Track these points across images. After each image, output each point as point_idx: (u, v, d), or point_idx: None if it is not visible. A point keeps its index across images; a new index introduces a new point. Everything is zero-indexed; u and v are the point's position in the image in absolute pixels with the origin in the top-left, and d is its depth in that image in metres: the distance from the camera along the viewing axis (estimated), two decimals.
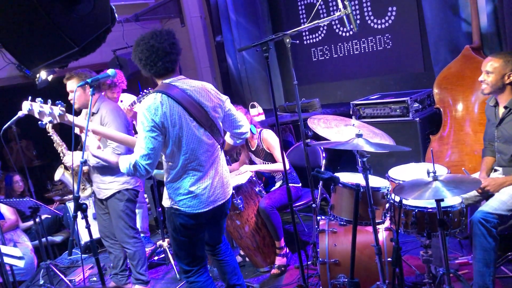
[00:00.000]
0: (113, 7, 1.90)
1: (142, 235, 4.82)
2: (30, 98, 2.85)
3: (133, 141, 2.66)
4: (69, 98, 3.46)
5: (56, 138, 3.59)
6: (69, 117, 2.75)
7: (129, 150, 3.34)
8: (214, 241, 2.97)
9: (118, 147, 3.30)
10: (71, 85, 3.46)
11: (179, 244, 2.73)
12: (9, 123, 3.71)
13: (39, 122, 2.89)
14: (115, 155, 2.69)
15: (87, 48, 1.85)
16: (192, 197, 2.60)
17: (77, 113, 3.58)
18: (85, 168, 3.64)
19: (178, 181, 2.60)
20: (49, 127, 3.63)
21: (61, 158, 3.59)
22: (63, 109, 2.75)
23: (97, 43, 1.83)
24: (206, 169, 2.63)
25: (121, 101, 4.65)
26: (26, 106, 2.79)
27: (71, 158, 3.49)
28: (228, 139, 2.96)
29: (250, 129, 3.95)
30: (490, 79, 2.89)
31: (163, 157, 2.64)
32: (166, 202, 2.69)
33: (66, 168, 3.71)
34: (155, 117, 2.45)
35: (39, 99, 2.79)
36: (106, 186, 3.51)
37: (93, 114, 3.44)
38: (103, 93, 4.62)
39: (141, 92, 4.18)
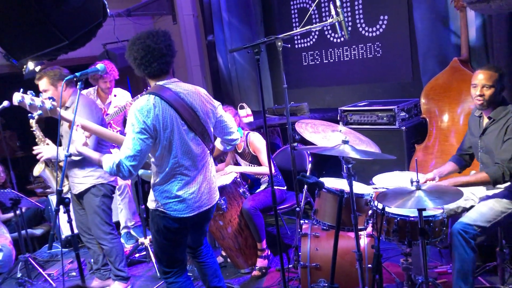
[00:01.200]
0: (105, 2, 1.89)
1: (124, 230, 4.79)
2: (22, 90, 2.83)
3: (122, 139, 2.62)
4: (44, 97, 3.42)
5: (39, 133, 3.55)
6: (59, 111, 2.72)
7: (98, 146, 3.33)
8: (196, 244, 2.97)
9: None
10: (43, 84, 3.36)
11: (161, 246, 2.73)
12: None
13: (29, 115, 2.88)
14: (99, 154, 2.65)
15: (77, 42, 1.85)
16: (179, 201, 2.59)
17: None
18: (61, 163, 3.59)
19: (166, 184, 2.58)
20: (32, 122, 3.59)
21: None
22: (55, 103, 2.73)
23: (88, 37, 1.83)
24: (195, 174, 2.62)
25: (115, 96, 4.62)
26: (17, 97, 2.76)
27: (48, 150, 3.42)
28: (218, 144, 2.96)
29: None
30: (489, 93, 2.84)
31: (152, 159, 2.62)
32: (151, 204, 2.67)
33: (46, 164, 3.64)
34: (146, 119, 2.42)
35: (31, 91, 2.78)
36: (80, 180, 3.47)
37: (67, 108, 3.37)
38: (96, 86, 4.58)
39: (140, 95, 4.14)
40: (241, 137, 3.93)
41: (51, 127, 3.94)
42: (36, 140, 3.58)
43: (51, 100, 2.72)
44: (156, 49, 2.45)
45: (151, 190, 2.68)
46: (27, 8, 1.55)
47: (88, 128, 2.76)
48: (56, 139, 3.63)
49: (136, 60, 2.49)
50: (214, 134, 2.79)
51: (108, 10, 1.87)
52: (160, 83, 2.55)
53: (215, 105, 2.74)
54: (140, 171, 3.17)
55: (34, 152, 3.46)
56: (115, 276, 3.68)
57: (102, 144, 3.42)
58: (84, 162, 3.41)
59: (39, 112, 2.70)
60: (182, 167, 2.57)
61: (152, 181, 2.66)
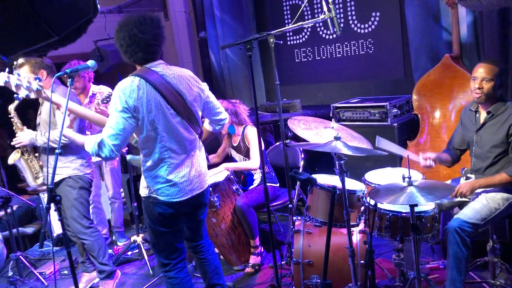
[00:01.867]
0: None
1: (116, 229, 4.77)
2: (7, 70, 2.80)
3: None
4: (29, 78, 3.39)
5: (17, 120, 3.47)
6: (47, 93, 2.71)
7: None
8: (194, 236, 2.93)
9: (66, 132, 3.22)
10: (24, 72, 3.27)
11: (157, 235, 2.69)
12: None
13: (15, 95, 2.84)
14: (81, 135, 2.63)
15: (67, 38, 1.83)
16: (170, 185, 2.57)
17: (38, 101, 3.47)
18: (37, 154, 3.54)
19: (156, 169, 2.57)
20: (11, 109, 3.52)
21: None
22: (41, 84, 2.69)
23: (78, 33, 1.81)
24: (184, 158, 2.61)
25: (93, 94, 4.55)
26: (3, 77, 2.72)
27: (25, 135, 3.37)
28: (207, 125, 2.93)
29: (228, 129, 3.95)
30: (488, 86, 2.84)
31: (138, 144, 2.61)
32: (143, 191, 2.65)
33: (22, 153, 3.56)
34: (129, 99, 2.40)
35: (17, 71, 2.74)
36: (56, 171, 3.39)
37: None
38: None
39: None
40: (232, 134, 3.94)
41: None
42: (14, 127, 3.52)
43: (37, 80, 2.68)
44: (142, 39, 2.44)
45: (142, 177, 2.66)
46: (16, 4, 1.53)
47: (74, 111, 2.73)
48: (33, 128, 3.59)
49: (122, 47, 2.49)
50: (202, 116, 2.77)
51: (98, 6, 1.85)
52: (147, 65, 2.54)
53: (202, 87, 2.72)
54: (129, 156, 3.14)
55: (13, 143, 3.41)
56: (100, 273, 3.60)
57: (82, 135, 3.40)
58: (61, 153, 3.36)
59: (26, 92, 2.66)
60: (170, 151, 2.55)
61: (142, 167, 2.64)
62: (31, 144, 3.43)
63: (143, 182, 2.65)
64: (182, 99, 2.55)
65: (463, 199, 2.95)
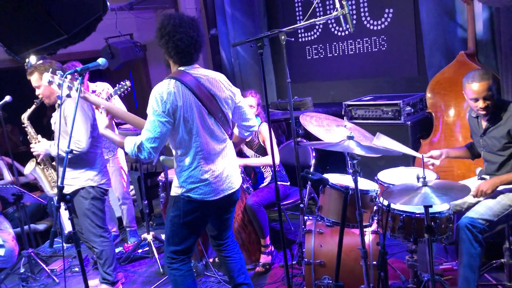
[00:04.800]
0: None
1: (128, 229, 4.76)
2: (51, 70, 2.96)
3: (144, 123, 2.63)
4: (37, 93, 3.41)
5: (30, 130, 3.51)
6: (86, 94, 2.76)
7: (92, 145, 3.32)
8: (221, 234, 2.94)
9: (79, 141, 3.22)
10: (34, 80, 3.35)
11: (176, 230, 2.70)
12: None
13: (57, 95, 2.98)
14: (120, 136, 2.67)
15: (77, 36, 1.81)
16: (205, 184, 2.62)
17: (53, 107, 3.49)
18: (54, 163, 3.55)
19: (190, 169, 2.60)
20: (24, 118, 3.55)
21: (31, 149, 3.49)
22: (79, 86, 2.72)
23: (87, 31, 1.78)
24: (217, 158, 2.66)
25: (93, 92, 4.53)
26: (46, 77, 2.83)
27: (40, 146, 3.42)
28: (235, 130, 2.96)
29: None
30: (490, 101, 2.80)
31: (172, 144, 2.65)
32: (176, 191, 2.67)
33: (38, 162, 3.60)
34: (166, 102, 2.46)
35: (60, 72, 2.84)
36: (69, 182, 3.38)
37: (59, 105, 3.22)
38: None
39: (118, 85, 4.10)
40: (259, 125, 3.90)
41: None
42: (28, 137, 3.55)
43: (78, 80, 2.74)
44: (198, 42, 2.55)
45: (174, 177, 2.70)
46: (25, 2, 1.51)
47: (112, 111, 2.78)
48: (46, 136, 3.61)
49: (177, 48, 2.51)
50: (232, 120, 2.82)
51: (108, 4, 1.83)
52: (182, 68, 2.60)
53: (234, 91, 2.78)
54: (162, 157, 3.17)
55: (32, 151, 3.46)
56: (102, 279, 3.61)
57: (95, 145, 3.40)
58: (74, 163, 3.35)
59: (67, 92, 2.72)
60: (204, 151, 2.60)
61: (176, 168, 2.69)
62: (47, 154, 3.45)
63: (175, 182, 2.69)
64: (215, 100, 2.62)
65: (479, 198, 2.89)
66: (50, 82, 2.81)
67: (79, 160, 3.36)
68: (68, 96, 2.72)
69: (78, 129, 3.22)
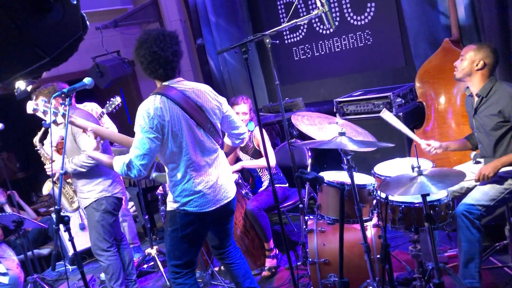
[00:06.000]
0: (84, 15, 1.84)
1: (131, 245, 4.74)
2: (34, 97, 3.01)
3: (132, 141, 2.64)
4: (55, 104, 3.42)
5: (43, 152, 3.53)
6: (71, 118, 2.76)
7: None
8: (222, 243, 2.94)
9: (88, 159, 3.23)
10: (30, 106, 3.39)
11: (176, 244, 2.69)
12: None
13: (43, 122, 2.94)
14: (109, 156, 2.67)
15: (59, 57, 1.80)
16: (199, 196, 2.61)
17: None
18: (69, 180, 3.56)
19: (183, 182, 2.60)
20: (36, 141, 3.57)
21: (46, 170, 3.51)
22: (67, 109, 2.73)
23: (70, 52, 1.77)
24: (209, 169, 2.66)
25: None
26: (31, 105, 2.86)
27: (54, 165, 3.44)
28: (226, 140, 2.96)
29: (248, 126, 3.90)
30: (461, 65, 2.92)
31: (163, 159, 2.64)
32: (171, 205, 2.67)
33: (54, 182, 3.63)
34: (154, 118, 2.46)
35: (44, 98, 2.87)
36: (85, 195, 3.43)
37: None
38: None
39: (107, 101, 4.09)
40: (252, 130, 3.90)
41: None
42: (42, 159, 3.56)
43: (63, 106, 2.74)
44: (162, 57, 2.50)
45: (168, 192, 2.69)
46: (2, 28, 1.51)
47: (100, 132, 2.78)
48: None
49: (143, 64, 2.55)
50: (222, 129, 2.82)
51: (87, 23, 1.82)
52: (166, 83, 2.60)
53: (221, 101, 2.78)
54: (154, 174, 3.16)
55: (48, 172, 3.49)
56: None
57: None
58: (87, 176, 3.38)
59: (53, 118, 2.74)
60: (195, 163, 2.59)
61: (168, 183, 2.68)
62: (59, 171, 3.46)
63: (170, 197, 2.68)
64: (202, 111, 2.62)
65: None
66: (35, 110, 2.82)
67: (92, 172, 3.38)
68: (54, 122, 2.73)
69: (86, 142, 3.21)
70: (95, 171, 3.39)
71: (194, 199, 2.61)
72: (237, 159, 4.14)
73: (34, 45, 1.58)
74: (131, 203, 5.35)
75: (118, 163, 2.52)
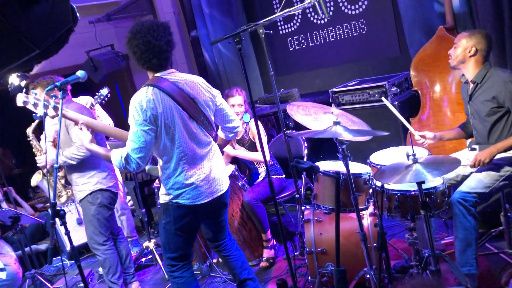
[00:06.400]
0: (74, 7, 1.82)
1: (129, 239, 4.75)
2: (24, 90, 2.92)
3: (126, 135, 2.62)
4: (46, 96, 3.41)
5: (35, 143, 3.51)
6: (64, 111, 2.71)
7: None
8: (217, 236, 2.94)
9: (82, 147, 3.20)
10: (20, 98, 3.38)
11: (170, 236, 2.69)
12: None
13: (33, 114, 2.92)
14: (106, 149, 2.65)
15: (50, 50, 1.79)
16: (192, 188, 2.60)
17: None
18: (60, 173, 3.55)
19: (176, 175, 2.59)
20: (29, 132, 3.55)
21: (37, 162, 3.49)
22: (58, 101, 2.71)
23: (59, 44, 1.76)
24: (202, 162, 2.64)
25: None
26: (21, 98, 2.80)
27: (44, 157, 3.43)
28: (220, 133, 2.95)
29: (243, 117, 3.89)
30: (455, 52, 2.92)
31: (157, 152, 2.63)
32: (164, 198, 2.66)
33: (44, 174, 3.62)
34: (147, 110, 2.45)
35: (34, 91, 2.84)
36: (80, 188, 3.42)
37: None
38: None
39: (96, 93, 4.07)
40: (247, 122, 3.88)
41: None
42: (33, 150, 3.54)
43: (54, 98, 2.72)
44: (156, 46, 2.48)
45: (161, 185, 2.68)
46: None
47: (92, 125, 2.75)
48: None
49: (136, 55, 2.52)
50: (215, 123, 2.80)
51: (78, 15, 1.81)
52: (158, 74, 2.57)
53: (214, 93, 2.75)
54: (147, 167, 3.16)
55: (38, 163, 3.46)
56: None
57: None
58: (81, 169, 3.37)
59: (43, 111, 2.71)
60: (187, 156, 2.58)
61: (161, 175, 2.67)
62: (53, 164, 3.45)
63: (162, 189, 2.67)
64: (194, 103, 2.59)
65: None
66: (25, 103, 2.78)
67: (86, 164, 3.36)
68: (45, 114, 2.71)
69: (77, 134, 3.20)
70: (89, 163, 3.37)
71: (186, 191, 2.60)
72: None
73: (24, 38, 1.57)
74: (128, 197, 5.35)
75: (116, 157, 2.51)
